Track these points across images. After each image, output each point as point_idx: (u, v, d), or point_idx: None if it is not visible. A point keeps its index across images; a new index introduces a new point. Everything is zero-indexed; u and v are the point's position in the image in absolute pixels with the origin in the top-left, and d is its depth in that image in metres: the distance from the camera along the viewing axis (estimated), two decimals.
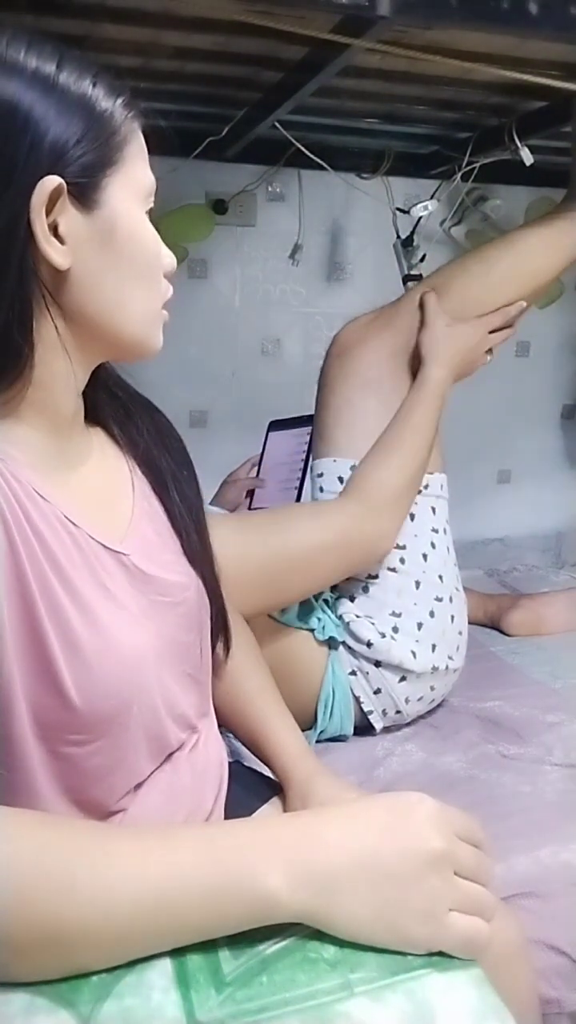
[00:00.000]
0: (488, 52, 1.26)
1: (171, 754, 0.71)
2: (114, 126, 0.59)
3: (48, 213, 0.56)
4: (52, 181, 0.55)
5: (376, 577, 1.27)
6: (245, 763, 0.97)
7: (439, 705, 1.38)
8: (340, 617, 1.26)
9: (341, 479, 1.27)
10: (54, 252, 0.57)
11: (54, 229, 0.57)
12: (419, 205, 1.80)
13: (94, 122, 0.57)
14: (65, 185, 0.56)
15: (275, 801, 0.89)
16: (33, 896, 0.45)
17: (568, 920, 0.94)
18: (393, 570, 1.26)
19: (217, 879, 0.47)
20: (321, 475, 1.32)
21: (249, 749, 0.93)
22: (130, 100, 0.61)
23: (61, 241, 0.57)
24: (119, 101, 0.60)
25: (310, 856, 0.49)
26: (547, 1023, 0.90)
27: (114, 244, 0.60)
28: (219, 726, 0.82)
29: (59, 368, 0.61)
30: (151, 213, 0.64)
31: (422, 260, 1.92)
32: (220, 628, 0.79)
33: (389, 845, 0.49)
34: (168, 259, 0.65)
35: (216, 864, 0.48)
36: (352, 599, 1.28)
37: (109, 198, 0.59)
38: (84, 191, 0.57)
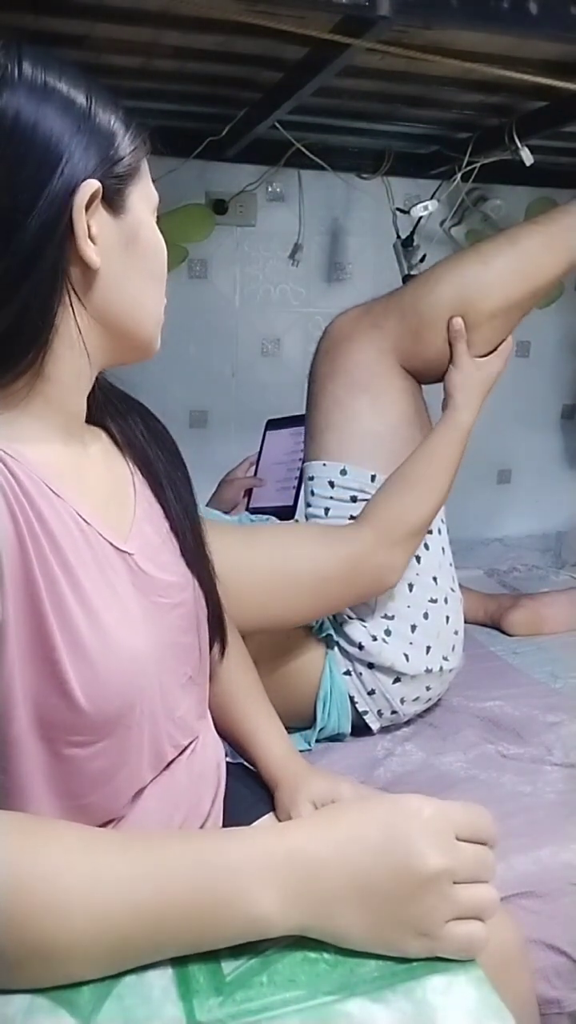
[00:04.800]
0: (488, 52, 1.26)
1: (170, 760, 0.71)
2: (131, 143, 0.64)
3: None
4: (92, 184, 0.59)
5: None
6: (247, 764, 0.96)
7: (438, 704, 1.38)
8: (334, 618, 1.26)
9: (332, 483, 1.26)
10: (91, 251, 0.60)
11: (88, 230, 0.60)
12: (419, 205, 1.80)
13: (121, 137, 0.63)
14: (102, 189, 0.60)
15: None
16: (24, 913, 0.45)
17: (568, 920, 0.94)
18: None
19: (209, 905, 0.47)
20: (312, 478, 1.30)
21: (235, 748, 0.93)
22: (138, 126, 0.66)
23: (93, 242, 0.61)
24: (133, 124, 0.65)
25: (302, 877, 0.48)
26: (547, 1023, 0.90)
27: (137, 247, 0.64)
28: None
29: (75, 366, 0.63)
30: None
31: (422, 260, 1.92)
32: (216, 628, 0.79)
33: (384, 866, 0.49)
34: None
35: (208, 888, 0.48)
36: None
37: (133, 205, 0.64)
38: (114, 197, 0.62)
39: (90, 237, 0.60)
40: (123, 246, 0.63)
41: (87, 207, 0.59)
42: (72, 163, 0.58)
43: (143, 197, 0.65)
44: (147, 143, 0.66)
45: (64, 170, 0.58)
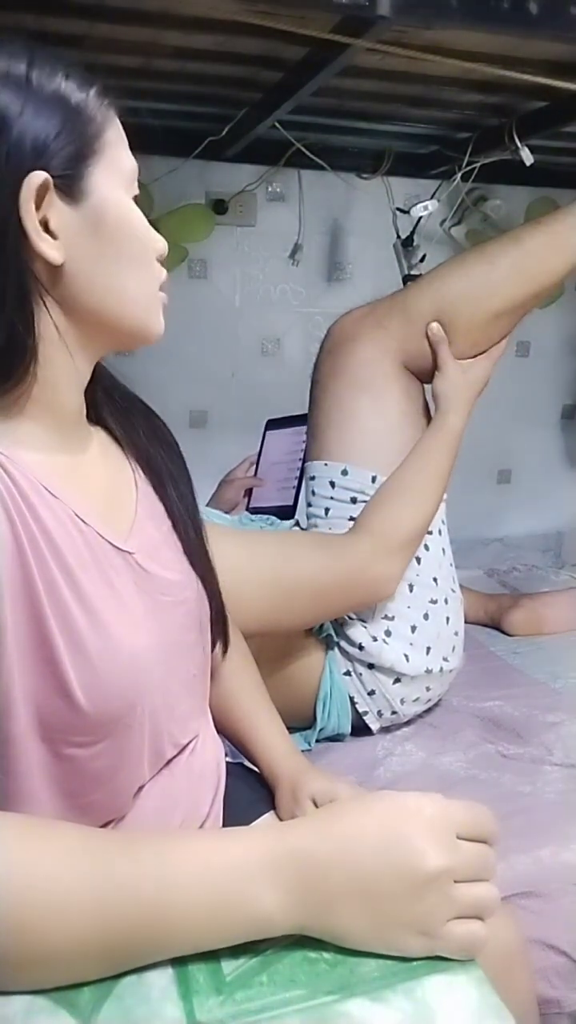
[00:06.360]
0: (488, 52, 1.26)
1: (170, 759, 0.71)
2: (90, 116, 0.59)
3: (37, 209, 0.56)
4: (38, 177, 0.55)
5: None
6: (247, 764, 0.96)
7: (438, 704, 1.38)
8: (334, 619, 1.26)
9: (332, 483, 1.27)
10: (47, 247, 0.57)
11: (45, 225, 0.57)
12: (419, 205, 1.80)
13: (70, 115, 0.58)
14: (51, 180, 0.56)
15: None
16: (26, 914, 0.45)
17: (568, 920, 0.94)
18: None
19: (211, 905, 0.47)
20: (313, 478, 1.30)
21: (235, 747, 0.93)
22: (102, 89, 0.61)
23: (53, 236, 0.58)
24: (92, 91, 0.60)
25: (304, 875, 0.48)
26: (547, 1023, 0.90)
27: (104, 232, 0.60)
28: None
29: (62, 364, 0.61)
30: (140, 202, 0.64)
31: (422, 260, 1.92)
32: (219, 627, 0.79)
33: (385, 865, 0.49)
34: (159, 243, 0.65)
35: (210, 886, 0.48)
36: None
37: (94, 188, 0.59)
38: (69, 184, 0.58)
39: (49, 231, 0.57)
40: (88, 234, 0.59)
41: (39, 201, 0.56)
42: (17, 153, 0.54)
43: (111, 173, 0.60)
44: (111, 106, 0.61)
45: (8, 162, 0.54)
